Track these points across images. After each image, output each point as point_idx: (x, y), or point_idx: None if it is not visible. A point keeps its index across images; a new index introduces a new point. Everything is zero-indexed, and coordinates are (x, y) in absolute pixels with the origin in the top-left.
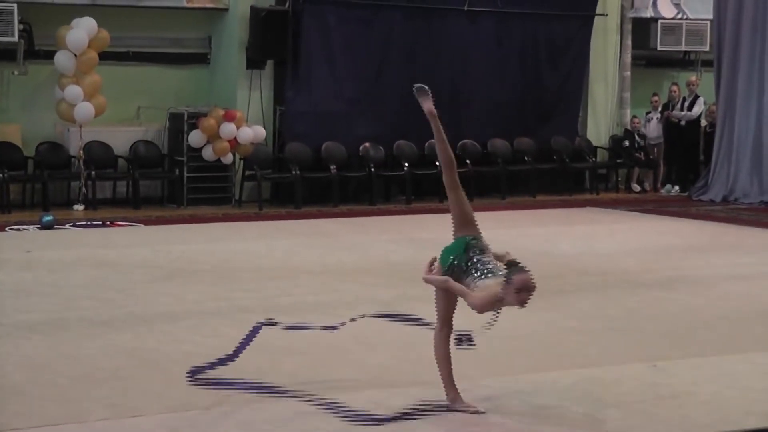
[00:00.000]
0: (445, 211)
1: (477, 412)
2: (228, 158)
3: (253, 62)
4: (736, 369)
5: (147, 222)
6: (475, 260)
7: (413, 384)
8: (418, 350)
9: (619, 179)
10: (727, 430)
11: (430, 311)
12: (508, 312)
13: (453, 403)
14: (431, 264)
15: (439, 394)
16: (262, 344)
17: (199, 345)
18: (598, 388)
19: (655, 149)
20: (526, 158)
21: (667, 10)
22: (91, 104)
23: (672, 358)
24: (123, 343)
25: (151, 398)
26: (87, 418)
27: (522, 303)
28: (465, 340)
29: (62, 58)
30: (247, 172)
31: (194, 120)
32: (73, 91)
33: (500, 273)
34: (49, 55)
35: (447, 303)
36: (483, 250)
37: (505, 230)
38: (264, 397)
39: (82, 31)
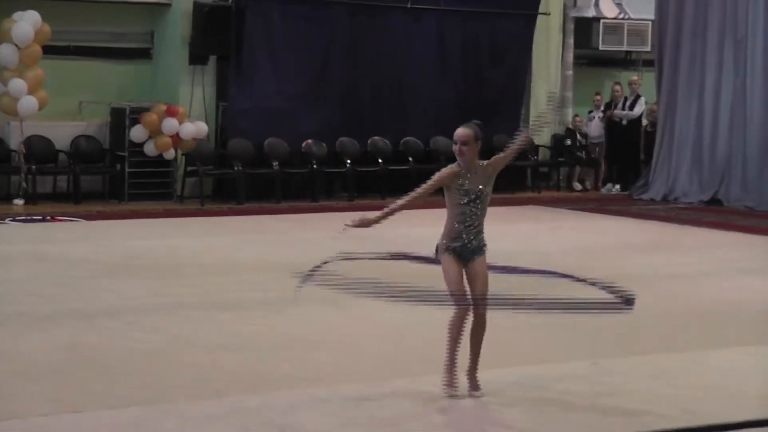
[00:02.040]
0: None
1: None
2: (170, 154)
3: (196, 58)
4: (675, 367)
5: (88, 217)
6: None
7: (357, 381)
8: (361, 346)
9: (561, 178)
10: (665, 428)
11: (372, 307)
12: (448, 309)
13: (448, 387)
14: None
15: (382, 391)
16: (202, 340)
17: (140, 341)
18: (539, 386)
19: (597, 148)
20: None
21: (609, 10)
22: (35, 98)
23: (612, 356)
24: (63, 339)
25: (91, 394)
26: (26, 414)
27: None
28: None
29: (6, 51)
30: (189, 168)
31: (136, 115)
32: (17, 84)
33: None
34: None
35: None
36: None
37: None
38: (203, 393)
39: (27, 24)
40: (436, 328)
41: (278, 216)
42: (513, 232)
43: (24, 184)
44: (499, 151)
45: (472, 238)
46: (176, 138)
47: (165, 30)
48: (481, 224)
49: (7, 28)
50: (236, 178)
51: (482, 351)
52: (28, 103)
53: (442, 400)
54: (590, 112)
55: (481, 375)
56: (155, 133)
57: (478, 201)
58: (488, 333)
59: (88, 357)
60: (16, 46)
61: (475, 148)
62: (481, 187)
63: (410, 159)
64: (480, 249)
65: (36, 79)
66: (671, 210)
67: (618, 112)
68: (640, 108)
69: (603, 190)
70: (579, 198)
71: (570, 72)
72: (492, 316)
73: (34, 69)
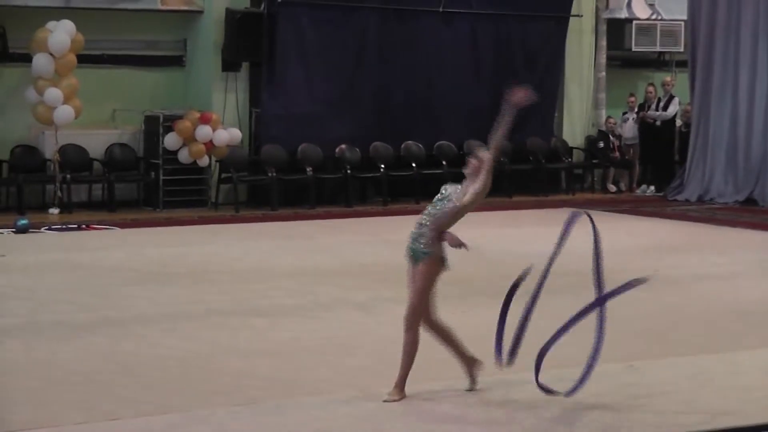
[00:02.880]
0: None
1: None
2: (204, 161)
3: (229, 64)
4: (711, 368)
5: (123, 225)
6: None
7: (392, 386)
8: (396, 351)
9: (595, 180)
10: (702, 429)
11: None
12: (482, 312)
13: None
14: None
15: (417, 395)
16: (236, 347)
17: (174, 348)
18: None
19: (631, 149)
20: (502, 159)
21: (641, 11)
22: (70, 107)
23: (648, 357)
24: (98, 347)
25: (126, 402)
26: (61, 422)
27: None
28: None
29: (41, 61)
30: (223, 175)
31: (170, 123)
32: (53, 93)
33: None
34: (23, 58)
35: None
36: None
37: (481, 230)
38: (239, 400)
39: (63, 33)
40: (471, 332)
41: (312, 222)
42: (548, 235)
43: (59, 193)
44: (532, 154)
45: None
46: (210, 145)
47: (197, 37)
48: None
49: (43, 37)
50: (270, 184)
51: (522, 351)
52: (64, 113)
53: (479, 403)
54: (624, 113)
55: (518, 376)
56: (189, 140)
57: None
58: (529, 335)
59: (124, 365)
60: (52, 55)
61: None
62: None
63: (444, 163)
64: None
65: (71, 89)
66: (706, 211)
67: (651, 113)
68: (673, 109)
69: (638, 192)
70: (614, 200)
71: (603, 74)
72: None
73: (69, 78)
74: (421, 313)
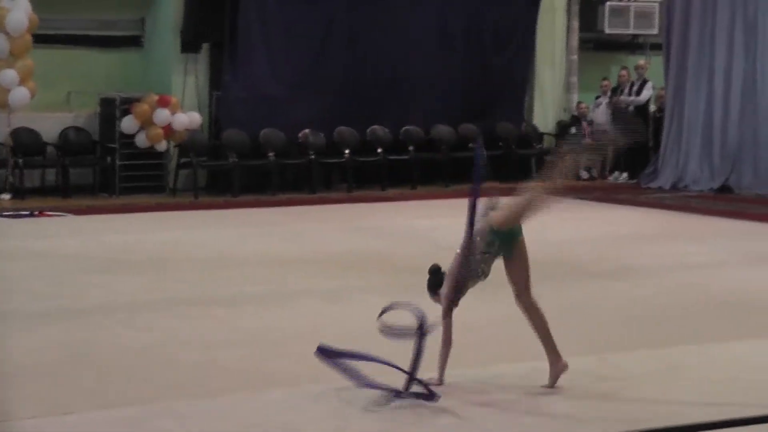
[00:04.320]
0: (387, 199)
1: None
2: (162, 145)
3: (188, 45)
4: (686, 360)
5: (78, 212)
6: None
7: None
8: (361, 342)
9: None
10: (677, 423)
11: (374, 302)
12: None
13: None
14: None
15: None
16: (197, 337)
17: (133, 339)
18: (545, 381)
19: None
20: (470, 144)
21: None
22: (26, 89)
23: (622, 349)
24: (53, 337)
25: (83, 394)
26: (15, 416)
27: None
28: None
29: None
30: (182, 160)
31: (127, 106)
32: (8, 75)
33: None
34: None
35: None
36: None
37: (450, 219)
38: (199, 392)
39: (21, 12)
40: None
41: (274, 209)
42: None
43: (11, 178)
44: (503, 139)
45: None
46: (168, 129)
47: (156, 17)
48: None
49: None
50: (231, 169)
51: (490, 347)
52: (20, 95)
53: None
54: (597, 97)
55: (486, 370)
56: (147, 124)
57: None
58: (497, 328)
59: (80, 356)
60: (8, 35)
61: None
62: None
63: (411, 148)
64: None
65: (27, 70)
66: (681, 198)
67: (624, 97)
68: (647, 93)
69: (610, 179)
70: (586, 187)
71: (575, 57)
72: (503, 312)
73: (24, 59)
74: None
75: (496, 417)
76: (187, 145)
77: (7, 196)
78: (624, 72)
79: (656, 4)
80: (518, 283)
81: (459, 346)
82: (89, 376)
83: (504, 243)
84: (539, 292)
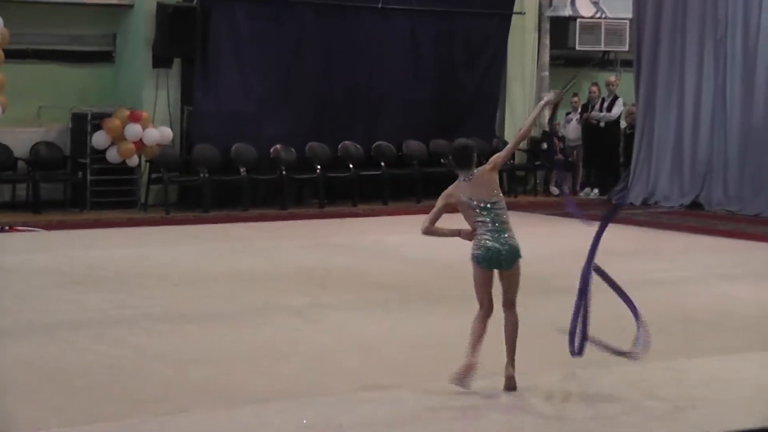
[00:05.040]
0: (359, 214)
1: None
2: (133, 160)
3: (160, 60)
4: (654, 376)
5: (48, 227)
6: None
7: (326, 394)
8: (330, 359)
9: (538, 182)
10: None
11: (343, 318)
12: (420, 319)
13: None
14: None
15: (352, 405)
16: (167, 353)
17: (102, 355)
18: (516, 395)
19: (575, 151)
20: (442, 160)
21: (585, 9)
22: None
23: (590, 365)
24: (21, 353)
25: (50, 411)
26: None
27: None
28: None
29: None
30: (154, 175)
31: (98, 120)
32: None
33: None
34: None
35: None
36: None
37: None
38: (169, 408)
39: None
40: (405, 340)
41: (246, 224)
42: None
43: None
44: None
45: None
46: (140, 144)
47: (127, 32)
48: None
49: None
50: (202, 185)
51: (457, 362)
52: None
53: (412, 411)
54: (568, 114)
55: (452, 386)
56: (118, 139)
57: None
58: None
59: (48, 372)
60: None
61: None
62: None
63: (382, 164)
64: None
65: None
66: (651, 214)
67: (595, 114)
68: (618, 109)
69: (581, 195)
70: (556, 203)
71: (546, 73)
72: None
73: None
74: None
75: None
76: (159, 160)
77: None
78: (594, 88)
79: (627, 22)
80: (511, 293)
81: (416, 362)
82: (58, 393)
83: (508, 258)
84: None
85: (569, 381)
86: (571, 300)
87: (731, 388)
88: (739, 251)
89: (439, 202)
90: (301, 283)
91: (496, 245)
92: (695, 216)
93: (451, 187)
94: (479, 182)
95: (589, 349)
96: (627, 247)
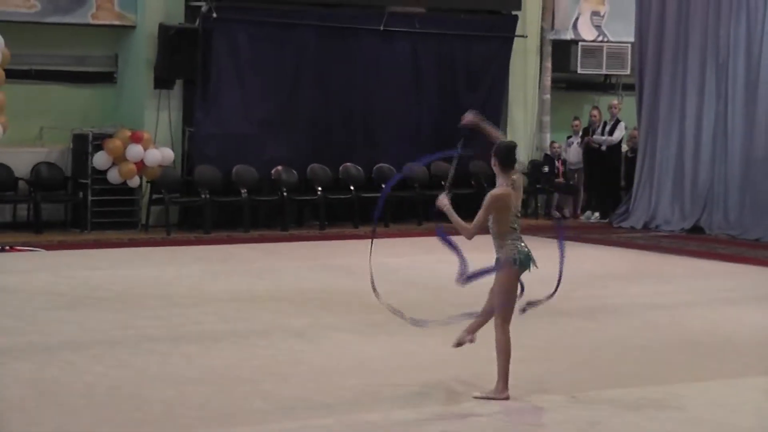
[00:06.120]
0: (360, 236)
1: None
2: (134, 181)
3: (162, 82)
4: (656, 400)
5: (49, 247)
6: None
7: (327, 415)
8: (332, 380)
9: (539, 205)
10: None
11: (344, 339)
12: (422, 341)
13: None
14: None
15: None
16: (168, 374)
17: (102, 376)
18: (516, 420)
19: (576, 175)
20: (443, 183)
21: (587, 33)
22: None
23: (592, 389)
24: (21, 373)
25: (50, 431)
26: None
27: None
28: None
29: None
30: (155, 196)
31: (99, 141)
32: None
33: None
34: None
35: (504, 299)
36: None
37: (423, 256)
38: (169, 429)
39: None
40: (406, 362)
41: (247, 245)
42: (490, 262)
43: None
44: (475, 177)
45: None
46: (141, 165)
47: (129, 53)
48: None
49: None
50: (203, 206)
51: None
52: None
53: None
54: (569, 137)
55: (454, 409)
56: (119, 159)
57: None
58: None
59: (48, 392)
60: None
61: (495, 164)
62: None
63: (383, 186)
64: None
65: None
66: (652, 238)
67: (597, 137)
68: (619, 133)
69: (582, 218)
70: (557, 226)
71: (548, 96)
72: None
73: None
74: None
75: None
76: (160, 181)
77: None
78: (595, 112)
79: (628, 45)
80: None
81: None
82: (57, 413)
83: (532, 262)
84: (510, 330)
85: (569, 404)
86: (572, 322)
87: (732, 412)
88: (740, 275)
89: (490, 207)
90: (302, 305)
91: (526, 250)
92: (696, 240)
93: (501, 193)
94: (517, 190)
95: (585, 371)
96: (628, 271)
